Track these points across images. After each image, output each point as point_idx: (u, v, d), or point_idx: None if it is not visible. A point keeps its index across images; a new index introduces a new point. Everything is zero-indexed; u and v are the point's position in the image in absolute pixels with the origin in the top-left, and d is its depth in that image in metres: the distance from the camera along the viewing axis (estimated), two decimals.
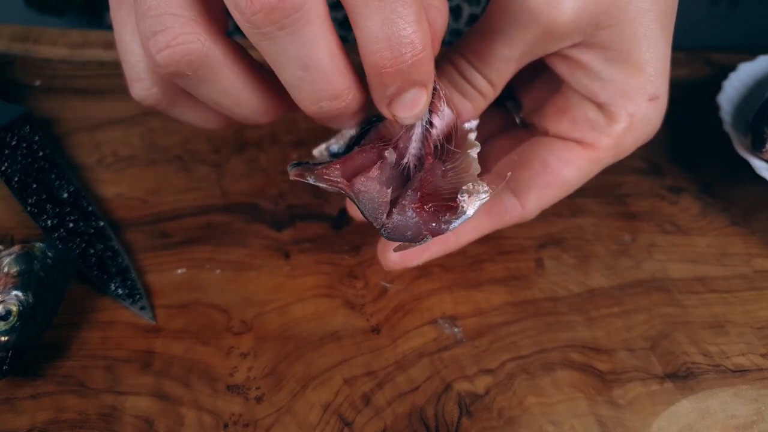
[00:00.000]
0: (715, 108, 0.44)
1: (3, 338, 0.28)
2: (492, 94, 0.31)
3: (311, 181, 0.28)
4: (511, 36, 0.29)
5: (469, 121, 0.32)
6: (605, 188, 0.43)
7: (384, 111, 0.26)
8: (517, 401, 0.30)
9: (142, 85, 0.27)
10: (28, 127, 0.42)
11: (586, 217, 0.41)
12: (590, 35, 0.29)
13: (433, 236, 0.26)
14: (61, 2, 0.62)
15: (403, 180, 0.29)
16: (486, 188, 0.25)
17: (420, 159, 0.30)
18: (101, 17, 0.64)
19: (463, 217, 0.25)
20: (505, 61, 0.29)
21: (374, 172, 0.27)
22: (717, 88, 0.45)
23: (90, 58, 0.53)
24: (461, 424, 0.29)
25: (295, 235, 0.38)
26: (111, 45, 0.54)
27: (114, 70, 0.52)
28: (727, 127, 0.42)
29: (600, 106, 0.31)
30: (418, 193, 0.27)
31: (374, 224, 0.27)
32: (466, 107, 0.31)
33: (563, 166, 0.31)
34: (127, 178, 0.42)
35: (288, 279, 0.36)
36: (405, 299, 0.35)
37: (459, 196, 0.25)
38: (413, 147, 0.29)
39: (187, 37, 0.23)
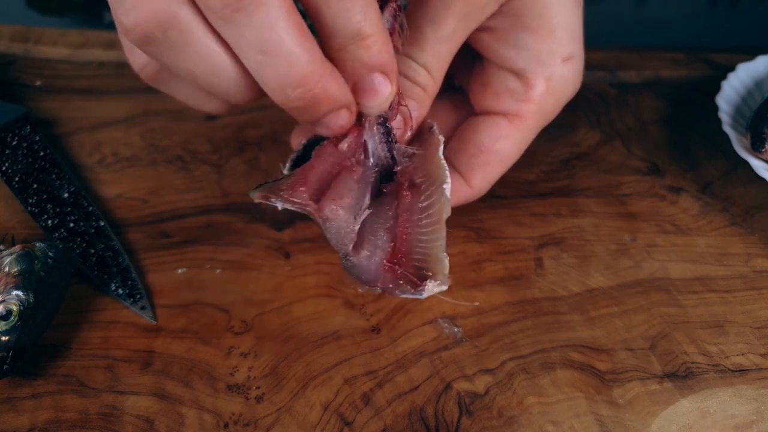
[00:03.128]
0: (715, 108, 0.44)
1: (4, 338, 0.28)
2: (432, 85, 0.31)
3: (279, 204, 0.27)
4: (438, 16, 0.30)
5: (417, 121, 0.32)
6: (605, 188, 0.43)
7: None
8: (517, 401, 0.30)
9: (133, 57, 0.27)
10: (28, 127, 0.43)
11: (585, 217, 0.41)
12: (504, 4, 0.31)
13: (383, 291, 0.28)
14: (61, 3, 0.62)
15: (366, 190, 0.29)
16: (446, 280, 0.27)
17: (386, 168, 0.30)
18: (101, 17, 0.64)
19: (417, 295, 0.27)
20: (438, 42, 0.30)
21: (346, 200, 0.27)
22: (716, 88, 0.45)
23: (90, 58, 0.53)
24: (461, 423, 0.29)
25: (295, 235, 0.38)
26: (111, 45, 0.54)
27: (114, 70, 0.52)
28: (727, 128, 0.42)
29: (517, 74, 0.33)
30: (394, 245, 0.28)
31: (338, 252, 0.28)
32: (411, 105, 0.31)
33: (495, 142, 0.33)
34: (127, 178, 0.42)
35: (288, 279, 0.36)
36: (405, 299, 0.35)
37: (426, 281, 0.27)
38: (377, 150, 0.30)
39: None
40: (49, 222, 0.37)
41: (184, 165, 0.43)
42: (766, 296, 0.36)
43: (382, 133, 0.29)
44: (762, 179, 0.39)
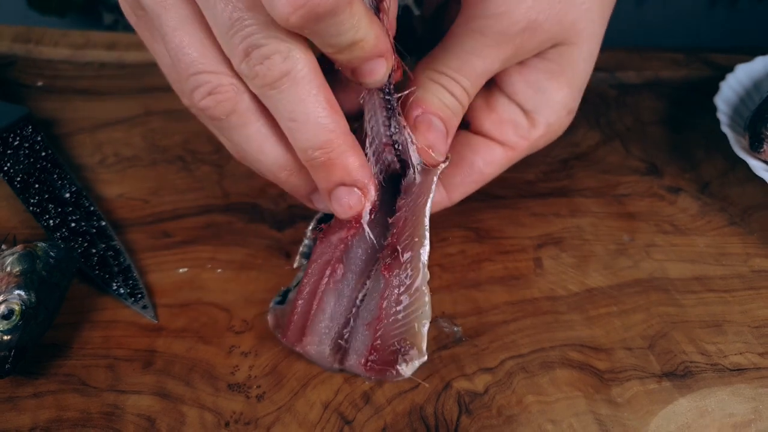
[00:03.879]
0: (713, 108, 0.44)
1: (6, 337, 0.28)
2: (468, 103, 0.33)
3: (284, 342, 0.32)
4: (488, 54, 0.31)
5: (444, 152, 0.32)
6: (604, 188, 0.43)
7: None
8: (516, 400, 0.30)
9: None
10: (30, 127, 0.43)
11: (585, 217, 0.41)
12: (544, 49, 0.32)
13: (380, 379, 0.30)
14: (61, 4, 0.62)
15: (354, 280, 0.31)
16: (423, 354, 0.28)
17: (391, 170, 0.31)
18: (100, 18, 0.64)
19: (402, 377, 0.29)
20: (482, 75, 0.32)
21: (311, 344, 0.31)
22: (715, 88, 0.45)
23: (92, 59, 0.53)
24: (461, 422, 0.29)
25: (295, 234, 0.38)
26: (112, 46, 0.54)
27: (115, 70, 0.52)
28: (725, 128, 0.42)
29: (525, 112, 0.34)
30: (369, 345, 0.30)
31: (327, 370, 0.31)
32: (448, 115, 0.32)
33: (486, 165, 0.35)
34: (128, 178, 0.42)
35: (288, 278, 0.36)
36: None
37: (398, 366, 0.28)
38: (377, 116, 0.30)
39: (223, 88, 0.27)
40: (51, 222, 0.38)
41: (184, 165, 0.43)
42: (765, 296, 0.36)
43: (383, 98, 0.29)
44: (760, 179, 0.39)
